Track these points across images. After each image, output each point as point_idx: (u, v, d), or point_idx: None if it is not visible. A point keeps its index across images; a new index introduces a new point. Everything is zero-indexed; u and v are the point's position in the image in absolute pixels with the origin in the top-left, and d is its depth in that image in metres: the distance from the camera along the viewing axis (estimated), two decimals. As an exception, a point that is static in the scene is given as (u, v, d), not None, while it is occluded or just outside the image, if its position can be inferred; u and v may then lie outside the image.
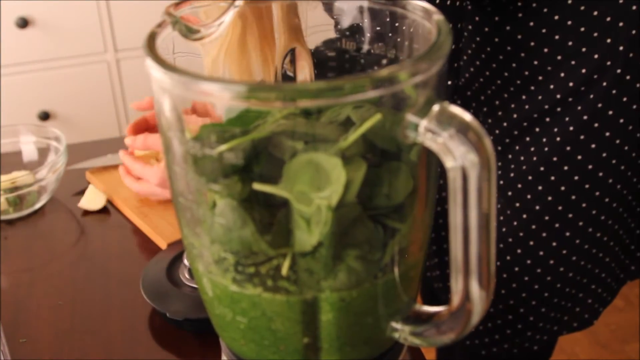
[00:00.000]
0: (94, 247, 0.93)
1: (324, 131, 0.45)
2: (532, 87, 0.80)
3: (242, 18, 0.59)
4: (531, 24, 0.77)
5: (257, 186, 0.43)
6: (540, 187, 0.83)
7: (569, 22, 0.76)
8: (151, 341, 0.76)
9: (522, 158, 0.84)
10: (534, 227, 0.85)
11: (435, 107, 0.41)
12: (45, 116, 1.98)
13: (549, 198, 0.83)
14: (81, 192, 1.04)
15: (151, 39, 0.45)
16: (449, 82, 0.85)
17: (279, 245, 0.44)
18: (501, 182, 0.87)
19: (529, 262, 0.87)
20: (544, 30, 0.77)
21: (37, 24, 1.89)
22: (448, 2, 0.71)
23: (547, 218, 0.84)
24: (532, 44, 0.78)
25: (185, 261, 0.81)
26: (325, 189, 0.42)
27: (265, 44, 0.62)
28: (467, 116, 0.40)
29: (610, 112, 0.79)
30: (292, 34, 0.61)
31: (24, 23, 1.87)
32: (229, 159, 0.44)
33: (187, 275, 0.80)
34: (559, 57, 0.77)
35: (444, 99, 0.42)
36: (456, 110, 0.40)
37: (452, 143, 0.40)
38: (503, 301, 0.90)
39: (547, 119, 0.81)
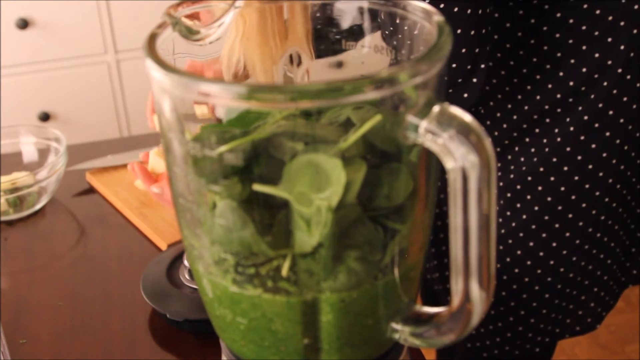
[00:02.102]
0: (94, 248, 0.93)
1: (324, 132, 0.45)
2: (529, 87, 0.80)
3: (259, 8, 0.59)
4: (532, 21, 0.77)
5: (257, 187, 0.43)
6: (540, 188, 0.83)
7: (571, 21, 0.76)
8: (151, 342, 0.76)
9: (521, 159, 0.84)
10: (533, 227, 0.85)
11: (436, 108, 0.41)
12: (45, 117, 1.98)
13: (549, 198, 0.83)
14: (81, 193, 1.04)
15: (151, 40, 0.45)
16: (466, 95, 0.85)
17: (279, 246, 0.44)
18: (501, 183, 0.87)
19: (529, 263, 0.86)
20: (545, 28, 0.77)
21: (37, 25, 1.89)
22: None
23: (546, 218, 0.84)
24: (532, 41, 0.78)
25: (186, 262, 0.81)
26: (326, 190, 0.42)
27: (277, 38, 0.62)
28: (467, 117, 0.40)
29: (611, 112, 0.79)
30: (301, 34, 0.61)
31: (24, 24, 1.87)
32: (229, 160, 0.44)
33: (187, 276, 0.80)
34: (559, 55, 0.77)
35: (444, 100, 0.42)
36: (456, 111, 0.40)
37: (452, 144, 0.40)
38: (503, 303, 0.90)
39: (547, 120, 0.81)
